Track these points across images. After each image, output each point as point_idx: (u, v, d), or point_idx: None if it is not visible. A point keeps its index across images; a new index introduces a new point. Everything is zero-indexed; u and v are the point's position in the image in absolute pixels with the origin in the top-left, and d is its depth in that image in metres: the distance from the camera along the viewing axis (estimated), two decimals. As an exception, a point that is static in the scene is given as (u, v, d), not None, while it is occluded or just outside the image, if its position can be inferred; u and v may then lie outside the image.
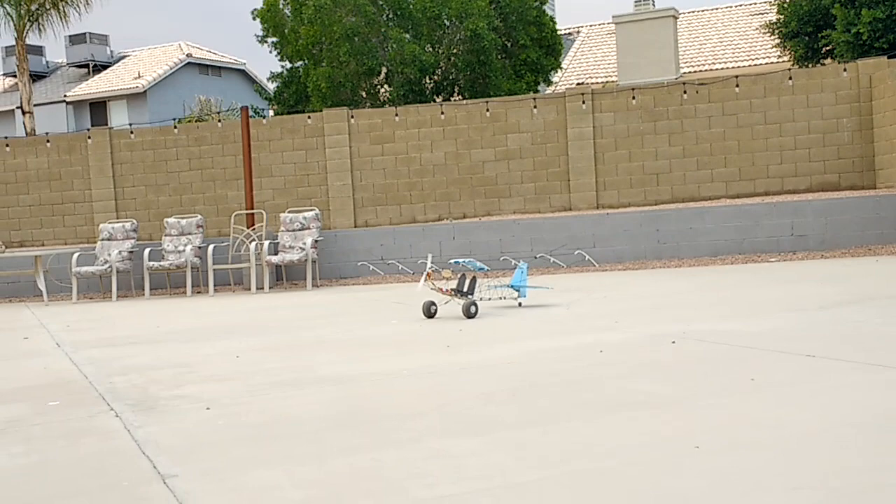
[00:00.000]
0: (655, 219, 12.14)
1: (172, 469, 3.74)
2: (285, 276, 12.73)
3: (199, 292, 12.37)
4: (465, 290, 7.74)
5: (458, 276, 7.98)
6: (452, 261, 8.30)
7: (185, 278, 12.22)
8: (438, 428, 4.17)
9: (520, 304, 8.30)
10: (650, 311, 7.75)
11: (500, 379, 5.20)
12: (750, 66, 24.24)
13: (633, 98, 13.75)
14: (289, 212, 12.87)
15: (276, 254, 12.46)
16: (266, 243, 12.33)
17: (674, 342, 5.89)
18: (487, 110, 14.13)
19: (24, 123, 18.47)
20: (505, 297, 8.38)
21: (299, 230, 12.57)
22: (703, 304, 8.09)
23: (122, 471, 3.80)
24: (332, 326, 7.82)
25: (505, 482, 3.34)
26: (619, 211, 12.91)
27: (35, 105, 19.33)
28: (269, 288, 12.15)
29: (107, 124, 30.93)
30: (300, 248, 12.25)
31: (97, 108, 33.58)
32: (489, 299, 8.35)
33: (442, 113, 14.29)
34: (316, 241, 12.37)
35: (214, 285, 12.31)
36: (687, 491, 3.14)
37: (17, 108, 28.19)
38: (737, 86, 13.61)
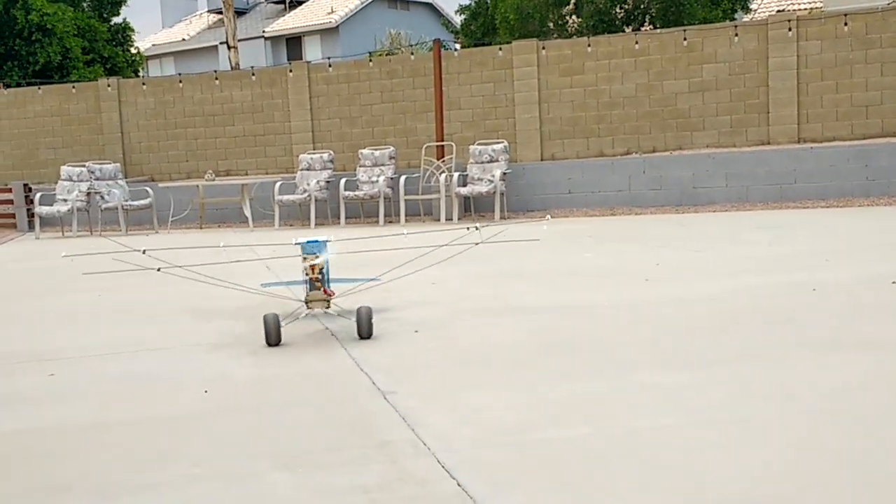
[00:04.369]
0: (865, 153, 11.38)
1: (391, 387, 3.93)
2: (473, 208, 12.88)
3: (390, 222, 12.74)
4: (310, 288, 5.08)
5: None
6: (295, 241, 5.15)
7: (378, 208, 12.61)
8: (648, 360, 4.15)
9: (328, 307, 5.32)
10: (863, 251, 7.33)
11: (707, 314, 5.10)
12: (976, -13, 22.02)
13: (845, 24, 12.84)
14: (478, 144, 12.96)
15: (464, 185, 12.61)
16: (455, 175, 12.49)
17: (894, 282, 5.57)
18: (684, 39, 13.58)
19: (228, 58, 19.43)
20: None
21: (488, 162, 12.65)
22: (921, 245, 7.58)
23: (344, 385, 4.03)
24: (527, 257, 7.86)
25: (726, 417, 3.29)
26: (823, 145, 12.19)
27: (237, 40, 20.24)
28: (458, 219, 12.34)
29: (301, 59, 32.02)
30: (489, 180, 12.34)
31: (292, 44, 34.82)
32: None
33: (636, 43, 13.88)
34: (504, 174, 12.42)
35: (405, 215, 12.64)
36: (923, 436, 3.00)
37: (221, 43, 29.63)
38: (964, 9, 12.44)
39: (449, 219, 12.38)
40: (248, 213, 12.85)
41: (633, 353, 4.29)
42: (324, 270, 5.06)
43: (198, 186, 13.23)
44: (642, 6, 17.94)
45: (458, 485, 2.77)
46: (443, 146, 13.34)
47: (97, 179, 13.17)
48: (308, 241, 5.03)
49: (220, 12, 25.70)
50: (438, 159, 13.16)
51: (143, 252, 4.64)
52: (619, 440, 3.11)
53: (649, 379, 3.82)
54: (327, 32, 34.17)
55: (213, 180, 13.27)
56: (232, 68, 18.91)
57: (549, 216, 9.38)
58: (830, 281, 5.81)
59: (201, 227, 13.25)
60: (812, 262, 6.68)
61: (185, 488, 2.91)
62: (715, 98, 13.56)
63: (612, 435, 3.17)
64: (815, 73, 13.05)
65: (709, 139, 13.59)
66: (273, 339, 4.82)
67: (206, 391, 4.04)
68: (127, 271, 4.43)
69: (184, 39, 37.31)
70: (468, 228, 4.83)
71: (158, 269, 4.73)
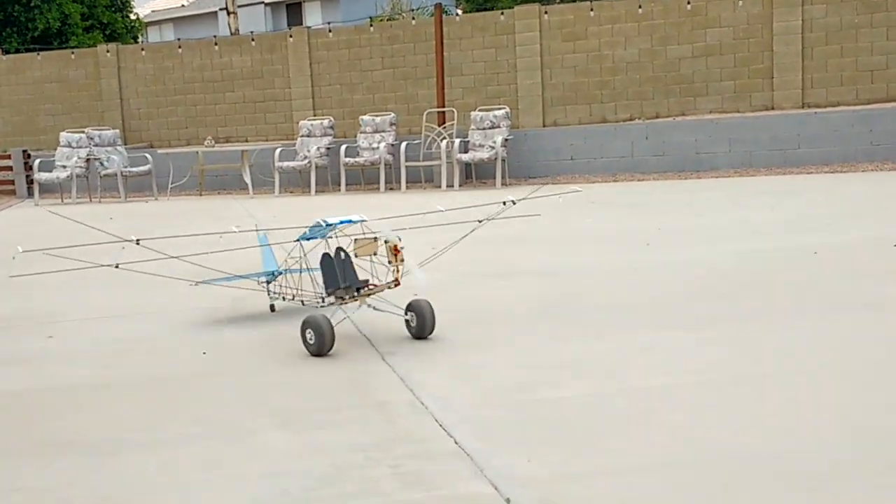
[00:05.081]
0: (869, 118, 11.30)
1: (389, 348, 3.92)
2: (475, 175, 12.83)
3: (391, 188, 12.70)
4: (342, 282, 4.02)
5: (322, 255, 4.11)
6: (325, 222, 4.06)
7: (379, 174, 12.56)
8: (648, 321, 4.14)
9: (272, 309, 4.86)
10: (865, 214, 7.30)
11: (708, 277, 5.08)
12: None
13: (850, -13, 12.72)
14: (479, 110, 12.88)
15: (466, 152, 12.55)
16: (457, 141, 12.43)
17: (896, 246, 5.55)
18: (688, 3, 13.46)
19: (228, 24, 19.29)
20: (296, 298, 4.48)
21: (489, 129, 12.58)
22: (924, 210, 7.54)
23: (342, 346, 4.01)
24: (528, 223, 7.82)
25: (723, 376, 3.29)
26: (827, 110, 12.10)
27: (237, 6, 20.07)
28: (459, 186, 12.30)
29: (301, 24, 31.80)
30: (490, 146, 12.28)
31: (292, 9, 34.57)
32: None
33: (639, 7, 13.74)
34: (506, 140, 12.35)
35: (406, 182, 12.59)
36: (923, 394, 2.99)
37: (221, 9, 29.40)
38: (971, -28, 12.29)
39: (450, 185, 12.34)
40: (248, 179, 12.81)
41: (633, 315, 4.28)
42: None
43: (197, 153, 13.18)
44: (646, -30, 17.75)
45: (456, 443, 2.76)
46: (444, 112, 13.26)
47: (96, 146, 13.12)
48: (341, 221, 4.05)
49: (220, -22, 25.44)
50: (440, 125, 13.09)
51: (138, 242, 3.71)
52: (617, 398, 3.10)
53: (649, 339, 3.81)
54: (328, -2, 33.88)
55: (213, 147, 13.21)
56: (231, 34, 18.77)
57: (578, 188, 8.71)
58: (832, 244, 5.78)
59: (201, 194, 13.21)
60: (814, 226, 6.65)
61: (183, 446, 2.90)
62: (719, 63, 13.46)
63: (611, 393, 3.16)
64: (819, 38, 12.94)
65: (712, 104, 13.51)
66: (328, 347, 3.86)
67: (204, 353, 4.03)
68: (71, 270, 4.01)
69: (183, 5, 37.05)
70: (503, 203, 4.60)
71: (117, 266, 3.91)
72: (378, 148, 12.70)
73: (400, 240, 4.00)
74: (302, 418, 3.09)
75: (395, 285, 4.01)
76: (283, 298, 4.55)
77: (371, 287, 4.04)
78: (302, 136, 13.19)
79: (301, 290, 4.40)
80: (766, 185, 9.87)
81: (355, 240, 4.04)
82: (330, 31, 15.40)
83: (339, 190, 12.79)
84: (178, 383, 3.63)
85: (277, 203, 11.66)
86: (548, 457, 2.62)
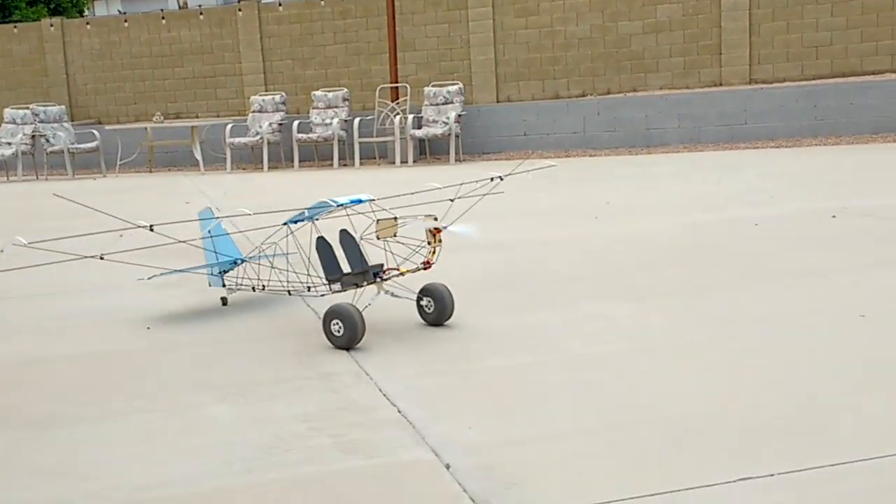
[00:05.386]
0: (813, 94, 11.50)
1: (337, 321, 3.92)
2: (428, 151, 12.83)
3: (345, 165, 12.64)
4: (357, 267, 3.74)
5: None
6: (331, 199, 3.71)
7: (332, 151, 12.49)
8: (595, 292, 4.20)
9: (224, 302, 4.39)
10: (806, 187, 7.45)
11: (654, 249, 5.16)
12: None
13: (797, -36, 12.87)
14: (433, 85, 12.86)
15: (419, 128, 12.53)
16: (410, 117, 12.40)
17: (834, 216, 5.67)
18: (638, -21, 13.56)
19: (176, -2, 19.06)
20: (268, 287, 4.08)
21: (443, 104, 12.57)
22: (864, 181, 7.71)
23: (289, 319, 4.01)
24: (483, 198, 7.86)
25: (667, 344, 3.35)
26: (773, 86, 12.29)
27: (185, -20, 19.79)
28: (413, 162, 12.29)
29: None
30: (444, 122, 12.27)
31: (243, -16, 34.11)
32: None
33: (590, -17, 13.81)
34: (459, 116, 12.36)
35: (360, 158, 12.55)
36: (854, 359, 3.07)
37: (168, -16, 28.84)
38: (914, -51, 12.50)
39: (404, 161, 12.32)
40: (198, 156, 12.67)
41: (579, 287, 4.34)
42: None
43: (146, 129, 12.99)
44: (598, -54, 17.78)
45: (399, 412, 2.79)
46: (397, 88, 13.22)
47: (42, 122, 12.88)
48: (351, 200, 3.69)
49: (169, -49, 25.00)
50: (393, 101, 13.05)
51: (151, 229, 3.20)
52: (560, 367, 3.15)
53: (594, 309, 3.87)
54: (280, -27, 33.38)
55: (162, 122, 13.03)
56: (179, 7, 18.46)
57: (552, 162, 8.84)
58: (774, 216, 5.90)
59: (151, 171, 13.05)
60: (758, 199, 6.77)
61: (124, 420, 2.89)
62: (669, 39, 13.57)
63: (554, 362, 3.21)
64: (766, 14, 13.09)
65: (662, 81, 13.62)
66: (360, 337, 3.51)
67: (148, 327, 4.01)
68: (46, 264, 3.46)
69: (132, -20, 36.28)
70: (491, 179, 4.48)
71: (101, 257, 3.58)
72: (331, 124, 12.63)
73: (437, 219, 3.69)
74: (246, 391, 3.09)
75: (426, 268, 3.69)
76: (254, 289, 4.08)
77: (391, 271, 3.70)
78: (254, 111, 13.07)
79: (288, 276, 3.97)
80: (714, 159, 10.02)
81: (378, 220, 3.63)
82: (280, 4, 15.23)
83: (293, 166, 12.71)
84: (121, 358, 3.60)
85: (230, 179, 11.56)
86: (490, 424, 2.66)
